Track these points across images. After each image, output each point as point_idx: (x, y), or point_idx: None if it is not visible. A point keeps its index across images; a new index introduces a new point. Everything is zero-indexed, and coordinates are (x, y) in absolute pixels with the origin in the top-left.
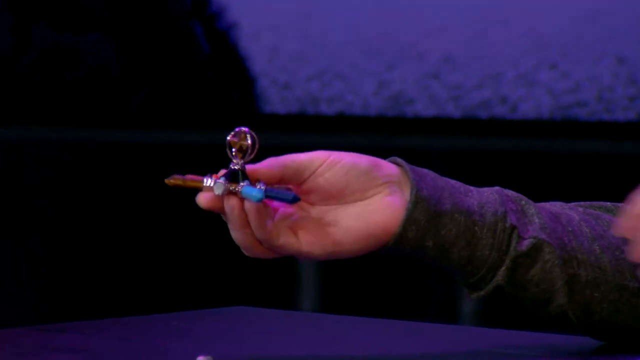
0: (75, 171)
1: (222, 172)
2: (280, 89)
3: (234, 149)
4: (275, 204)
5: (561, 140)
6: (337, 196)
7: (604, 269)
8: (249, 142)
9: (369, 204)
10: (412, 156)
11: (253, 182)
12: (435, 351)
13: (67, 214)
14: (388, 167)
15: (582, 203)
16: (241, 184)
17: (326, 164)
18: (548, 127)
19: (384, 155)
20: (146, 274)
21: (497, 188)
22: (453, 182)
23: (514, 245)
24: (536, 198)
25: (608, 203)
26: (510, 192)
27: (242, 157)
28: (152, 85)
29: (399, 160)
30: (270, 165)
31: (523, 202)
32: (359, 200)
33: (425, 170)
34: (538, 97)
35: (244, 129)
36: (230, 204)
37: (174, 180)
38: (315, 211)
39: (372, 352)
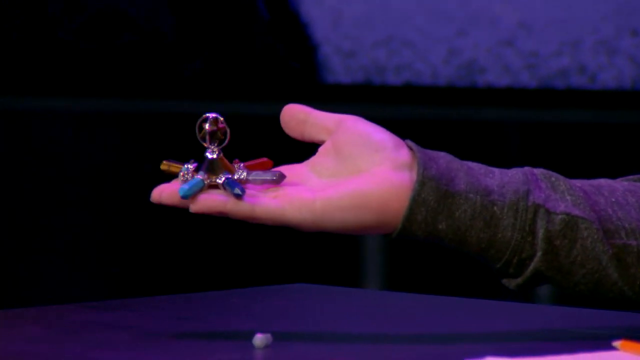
0: (127, 144)
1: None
2: (344, 57)
3: (206, 137)
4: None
5: None
6: (343, 167)
7: None
8: (221, 127)
9: (369, 175)
10: (484, 129)
11: (226, 169)
12: (507, 329)
13: (118, 187)
14: (402, 151)
15: (626, 177)
16: (222, 176)
17: (343, 128)
18: (630, 97)
19: (453, 128)
20: (205, 250)
21: (526, 168)
22: (473, 164)
23: (542, 225)
24: (616, 173)
25: None
26: (539, 170)
27: (218, 145)
28: (208, 53)
29: (409, 142)
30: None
31: (553, 179)
32: (361, 172)
33: (440, 153)
34: (619, 66)
35: (214, 115)
36: (212, 202)
37: (163, 165)
38: (313, 183)
39: (440, 330)
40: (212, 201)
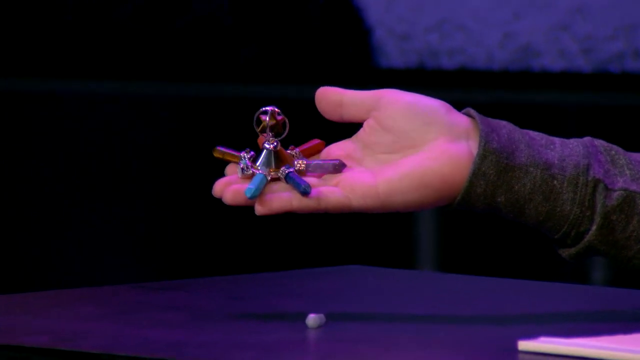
0: (179, 128)
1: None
2: (397, 41)
3: (267, 130)
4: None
5: None
6: (397, 143)
7: None
8: (280, 119)
9: (427, 150)
10: (538, 113)
11: (284, 163)
12: (561, 310)
13: (172, 170)
14: (456, 116)
15: None
16: (284, 169)
17: (384, 102)
18: None
19: (507, 112)
20: (258, 232)
21: (587, 138)
22: (534, 134)
23: (600, 199)
24: None
25: None
26: (600, 142)
27: (275, 137)
28: (262, 38)
29: (472, 111)
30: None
31: (613, 153)
32: (418, 147)
33: (502, 122)
34: None
35: (272, 107)
36: (278, 203)
37: (216, 152)
38: (369, 162)
39: (493, 311)
40: (278, 201)
